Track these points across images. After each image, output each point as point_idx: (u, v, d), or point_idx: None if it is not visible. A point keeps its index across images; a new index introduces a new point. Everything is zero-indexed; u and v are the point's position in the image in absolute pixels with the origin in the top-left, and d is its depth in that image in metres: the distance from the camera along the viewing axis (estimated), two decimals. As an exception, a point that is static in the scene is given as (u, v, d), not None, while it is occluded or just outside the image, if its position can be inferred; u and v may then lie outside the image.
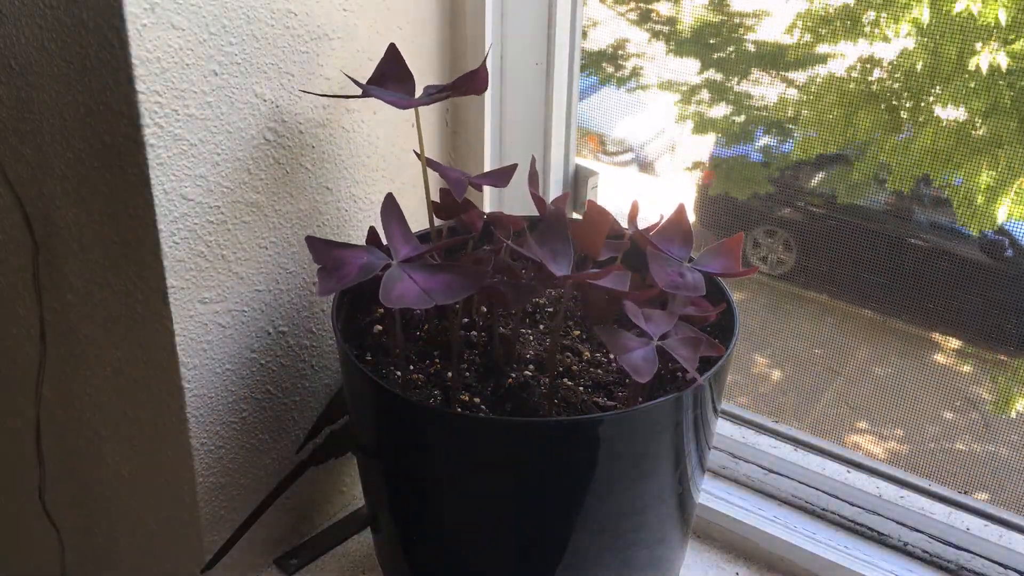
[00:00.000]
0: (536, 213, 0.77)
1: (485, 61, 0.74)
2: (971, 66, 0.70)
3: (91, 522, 0.95)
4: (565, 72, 0.93)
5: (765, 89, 0.86)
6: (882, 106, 0.77)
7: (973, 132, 0.73)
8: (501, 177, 0.76)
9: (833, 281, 0.88)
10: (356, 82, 0.74)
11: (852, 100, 0.79)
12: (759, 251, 0.94)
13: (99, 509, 0.93)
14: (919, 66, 0.75)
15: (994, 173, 0.72)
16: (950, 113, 0.75)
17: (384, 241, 0.69)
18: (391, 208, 0.70)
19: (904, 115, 0.77)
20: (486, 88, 0.73)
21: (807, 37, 0.80)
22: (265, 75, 0.73)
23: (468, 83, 0.73)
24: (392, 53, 0.74)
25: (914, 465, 0.86)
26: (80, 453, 0.90)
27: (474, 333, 0.80)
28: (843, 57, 0.79)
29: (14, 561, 1.09)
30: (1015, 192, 0.72)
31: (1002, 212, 0.73)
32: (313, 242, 0.68)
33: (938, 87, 0.74)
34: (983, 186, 0.73)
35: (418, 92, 0.75)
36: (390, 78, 0.73)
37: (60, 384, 0.87)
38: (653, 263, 0.70)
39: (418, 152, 0.74)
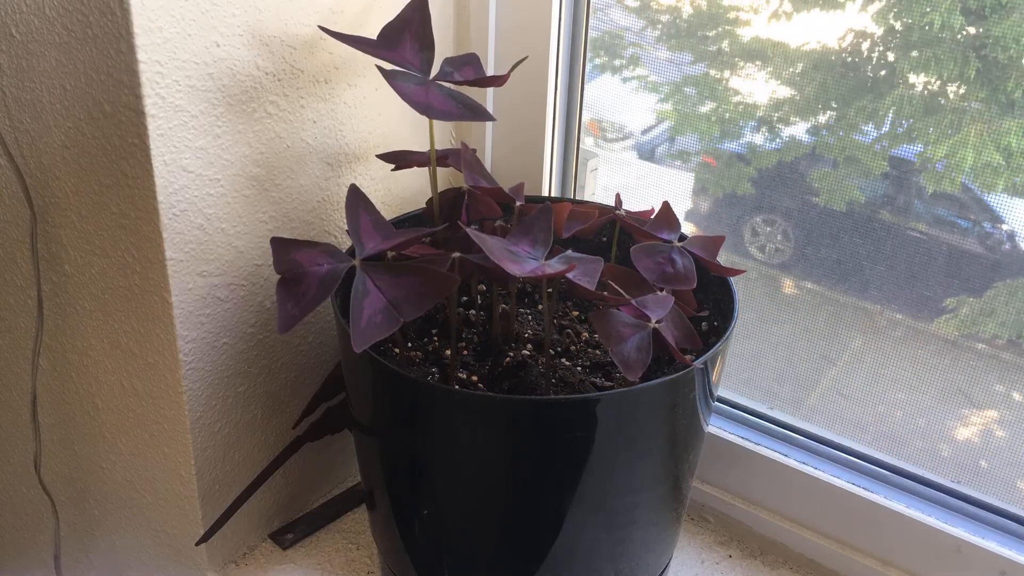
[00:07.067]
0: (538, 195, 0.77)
1: (511, 71, 0.74)
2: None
3: (86, 494, 0.95)
4: (568, 58, 0.92)
5: (755, 83, 0.86)
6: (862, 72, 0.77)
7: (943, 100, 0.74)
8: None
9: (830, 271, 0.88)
10: (382, 69, 0.68)
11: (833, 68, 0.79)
12: (757, 239, 0.94)
13: (95, 481, 0.93)
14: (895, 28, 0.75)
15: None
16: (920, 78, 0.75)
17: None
18: (357, 200, 0.67)
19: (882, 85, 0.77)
20: (502, 84, 0.73)
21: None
22: (268, 48, 0.72)
23: (492, 83, 0.72)
24: (419, 6, 0.70)
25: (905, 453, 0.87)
26: (76, 425, 0.90)
27: (472, 312, 0.80)
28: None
29: (8, 532, 1.09)
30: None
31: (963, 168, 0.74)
32: (276, 243, 0.64)
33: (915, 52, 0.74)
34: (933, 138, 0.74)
35: (435, 68, 0.73)
36: (410, 37, 0.70)
37: (57, 356, 0.87)
38: (638, 256, 0.70)
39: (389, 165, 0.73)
